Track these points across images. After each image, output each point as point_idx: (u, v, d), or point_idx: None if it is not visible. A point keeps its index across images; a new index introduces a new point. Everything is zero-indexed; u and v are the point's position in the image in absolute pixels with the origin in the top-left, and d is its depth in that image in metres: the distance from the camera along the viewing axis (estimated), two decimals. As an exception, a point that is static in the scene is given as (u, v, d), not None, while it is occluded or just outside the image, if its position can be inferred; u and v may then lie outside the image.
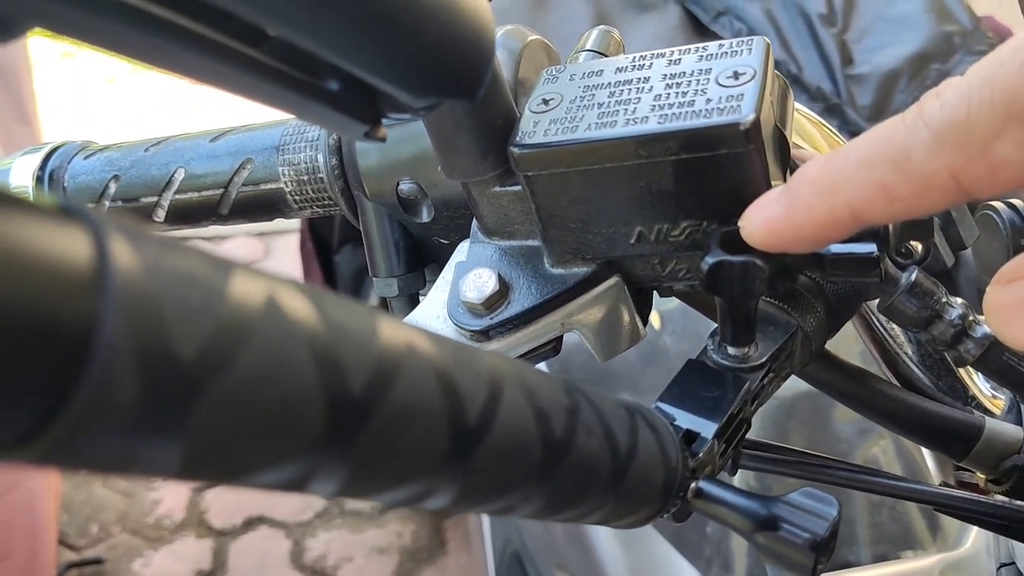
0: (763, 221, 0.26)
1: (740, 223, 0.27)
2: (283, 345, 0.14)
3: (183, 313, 0.13)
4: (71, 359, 0.12)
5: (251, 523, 1.90)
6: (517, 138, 0.31)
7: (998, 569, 0.43)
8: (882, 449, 0.87)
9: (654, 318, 1.01)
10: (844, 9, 1.02)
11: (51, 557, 1.46)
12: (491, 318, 0.34)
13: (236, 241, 2.51)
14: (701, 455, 0.29)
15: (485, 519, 1.31)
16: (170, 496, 1.96)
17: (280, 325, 0.14)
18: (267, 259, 2.43)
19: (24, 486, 1.42)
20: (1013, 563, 0.42)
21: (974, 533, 0.46)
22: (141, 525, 1.92)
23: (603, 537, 0.94)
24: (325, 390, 0.15)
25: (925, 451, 0.49)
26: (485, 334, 0.34)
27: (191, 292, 0.13)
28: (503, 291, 0.34)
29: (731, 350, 0.32)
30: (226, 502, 1.94)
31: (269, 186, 0.42)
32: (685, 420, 0.30)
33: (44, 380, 0.12)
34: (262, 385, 0.14)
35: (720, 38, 1.05)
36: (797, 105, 0.35)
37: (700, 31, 1.05)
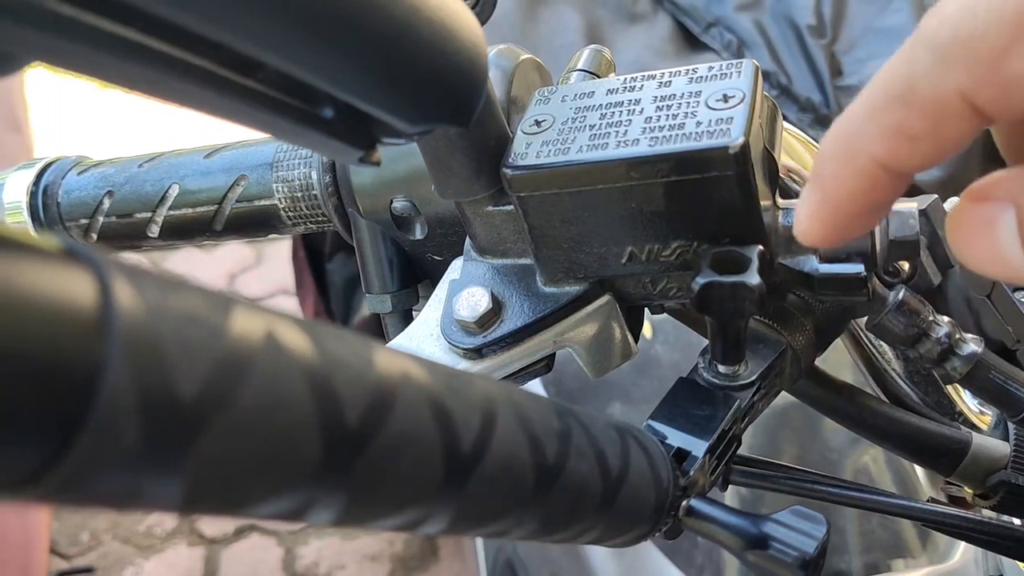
0: (807, 217, 0.24)
1: (793, 231, 0.26)
2: (281, 379, 0.14)
3: (184, 352, 0.13)
4: (76, 401, 0.12)
5: (243, 531, 1.90)
6: (510, 160, 0.31)
7: (986, 581, 0.43)
8: (872, 458, 0.87)
9: (646, 328, 1.01)
10: (833, 21, 1.03)
11: (42, 566, 1.45)
12: (484, 336, 0.34)
13: (227, 248, 2.50)
14: (692, 473, 0.29)
15: (477, 527, 1.31)
16: (161, 504, 1.96)
17: (278, 360, 0.15)
18: (258, 266, 2.43)
19: (15, 495, 1.41)
20: (1001, 575, 0.42)
21: (962, 546, 0.46)
22: (132, 533, 1.91)
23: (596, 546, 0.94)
24: (322, 422, 0.15)
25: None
26: (478, 352, 0.34)
27: (192, 331, 0.13)
28: (496, 309, 0.34)
29: (721, 368, 0.32)
30: (218, 510, 1.93)
31: (263, 202, 0.42)
32: (676, 438, 0.30)
33: (50, 422, 0.12)
34: (261, 419, 0.14)
35: (710, 49, 1.05)
36: (786, 125, 0.35)
37: (690, 42, 1.06)
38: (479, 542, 1.30)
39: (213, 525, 1.90)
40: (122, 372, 0.12)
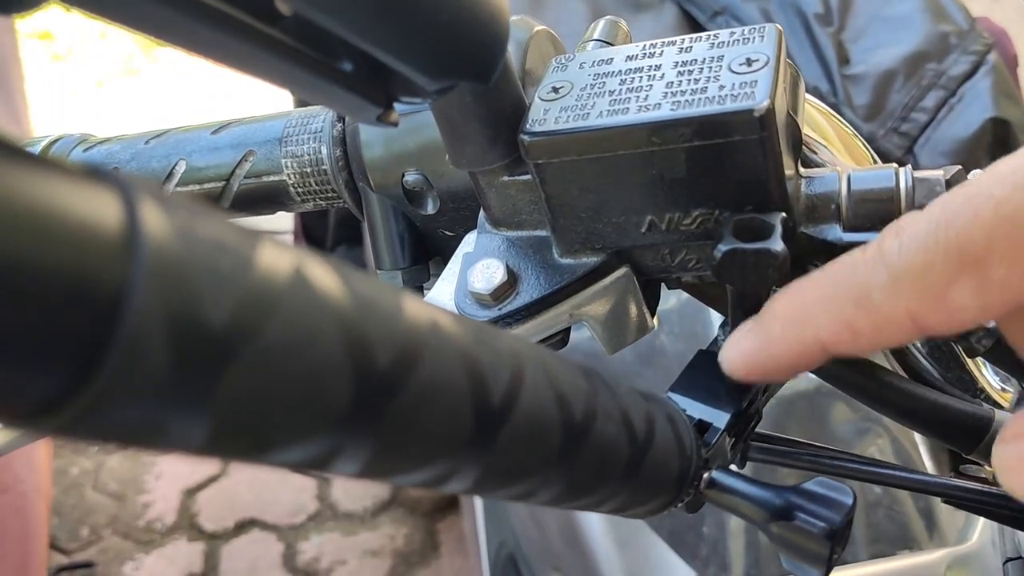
0: (740, 354, 0.28)
1: (720, 357, 0.29)
2: (311, 316, 0.14)
3: (213, 280, 0.12)
4: (101, 324, 0.11)
5: (243, 526, 1.89)
6: (527, 126, 0.30)
7: (1004, 563, 0.42)
8: (879, 448, 0.87)
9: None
10: (840, 9, 1.02)
11: (42, 561, 1.45)
12: (499, 309, 0.33)
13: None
14: (713, 445, 0.29)
15: (480, 520, 1.30)
16: (161, 499, 1.95)
17: (308, 296, 0.14)
18: (259, 261, 2.42)
19: (15, 489, 1.41)
20: (1020, 557, 0.42)
21: (979, 528, 0.46)
22: (132, 528, 1.91)
23: (599, 538, 0.94)
24: (352, 363, 0.14)
25: (922, 449, 0.49)
26: (493, 325, 0.33)
27: (221, 259, 0.13)
28: (511, 281, 0.33)
29: (742, 340, 0.32)
30: (217, 505, 1.93)
31: (272, 178, 0.41)
32: (697, 410, 0.30)
33: (73, 345, 0.11)
34: (290, 355, 0.13)
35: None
36: (808, 97, 0.35)
37: (697, 30, 1.05)
38: (481, 536, 1.29)
39: (213, 520, 1.90)
40: (148, 295, 0.12)
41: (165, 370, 0.12)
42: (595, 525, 0.95)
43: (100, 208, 0.12)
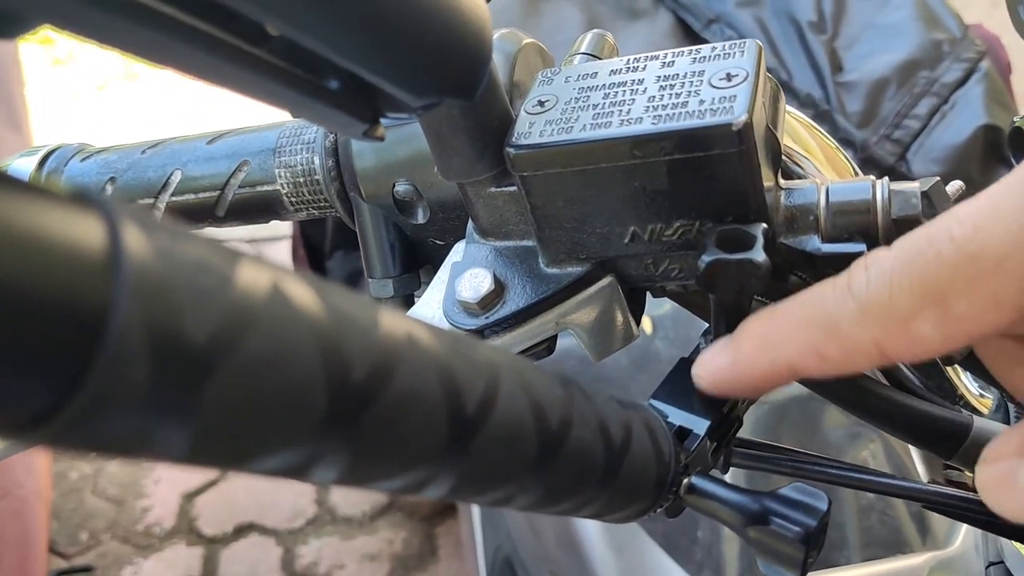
0: (711, 371, 0.29)
1: (692, 370, 0.30)
2: (288, 331, 0.15)
3: (193, 297, 0.13)
4: (86, 340, 0.12)
5: (242, 530, 1.90)
6: (513, 139, 0.31)
7: (986, 568, 0.43)
8: (871, 453, 0.87)
9: (646, 323, 1.02)
10: (834, 17, 1.03)
11: (41, 565, 1.45)
12: (486, 317, 0.34)
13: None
14: (693, 451, 0.29)
15: (477, 525, 1.31)
16: (160, 503, 1.96)
17: (285, 312, 0.15)
18: (258, 266, 2.42)
19: (14, 494, 1.41)
20: (1001, 562, 0.42)
21: (963, 532, 0.46)
22: (131, 533, 1.91)
23: (594, 542, 0.94)
24: (328, 376, 0.15)
25: (914, 454, 0.50)
26: (480, 333, 0.34)
27: (201, 277, 0.13)
28: (498, 290, 0.34)
29: (723, 348, 0.32)
30: (216, 509, 1.93)
31: (265, 188, 0.42)
32: (678, 417, 0.30)
33: (60, 361, 0.12)
34: (268, 369, 0.14)
35: (711, 46, 1.05)
36: (789, 108, 0.36)
37: (691, 38, 1.06)
38: (478, 541, 1.30)
39: (212, 524, 1.90)
40: (131, 312, 0.12)
41: (147, 383, 0.13)
42: (591, 530, 0.95)
43: (85, 231, 0.12)
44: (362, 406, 0.16)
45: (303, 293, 0.15)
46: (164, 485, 1.99)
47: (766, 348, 0.27)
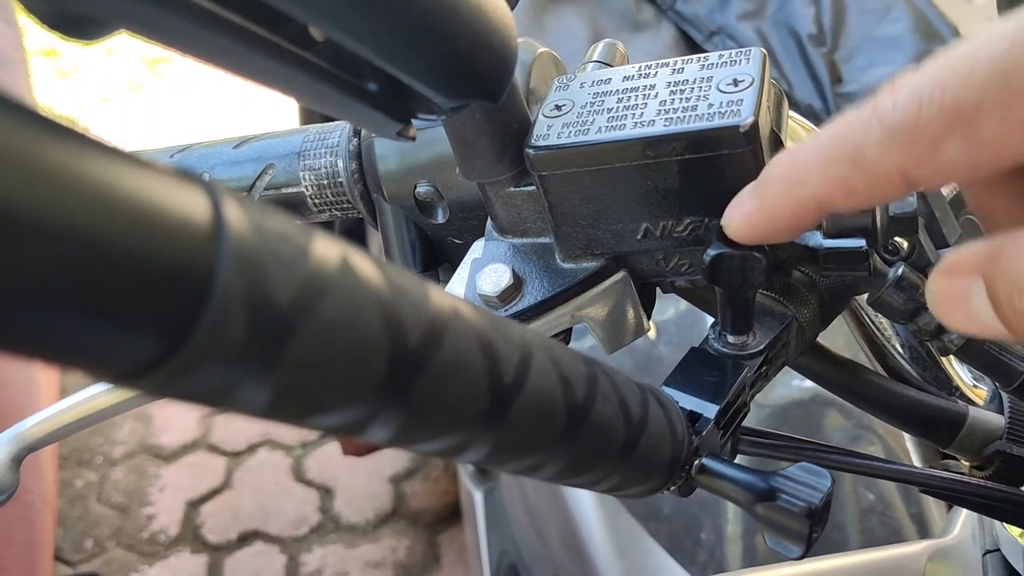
0: (741, 217, 0.29)
1: (722, 221, 0.30)
2: (356, 298, 0.16)
3: (280, 265, 0.15)
4: (193, 300, 0.14)
5: (246, 538, 1.91)
6: (532, 140, 0.33)
7: (983, 556, 0.45)
8: (871, 454, 0.89)
9: (650, 329, 1.03)
10: (833, 29, 1.06)
11: (47, 572, 1.46)
12: (505, 310, 0.36)
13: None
14: (704, 434, 0.31)
15: (482, 531, 1.32)
16: (165, 511, 1.97)
17: (353, 281, 0.17)
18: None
19: (21, 499, 1.42)
20: (998, 550, 0.44)
21: (960, 521, 0.48)
22: (136, 540, 1.92)
23: (599, 545, 0.96)
24: (389, 339, 0.17)
25: (913, 456, 0.51)
26: (500, 324, 0.36)
27: (286, 248, 0.15)
28: (517, 285, 0.36)
29: (731, 338, 0.34)
30: (221, 517, 1.95)
31: (290, 190, 0.44)
32: (688, 402, 0.32)
33: (169, 317, 0.14)
34: (339, 331, 0.16)
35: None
36: (792, 114, 0.38)
37: (693, 50, 1.09)
38: (483, 546, 1.31)
39: (217, 532, 1.92)
40: (231, 276, 0.14)
41: (241, 340, 0.14)
42: (595, 533, 0.96)
43: (193, 204, 0.14)
44: (416, 370, 0.18)
45: (367, 266, 0.17)
46: (169, 493, 2.00)
47: (792, 186, 0.26)
